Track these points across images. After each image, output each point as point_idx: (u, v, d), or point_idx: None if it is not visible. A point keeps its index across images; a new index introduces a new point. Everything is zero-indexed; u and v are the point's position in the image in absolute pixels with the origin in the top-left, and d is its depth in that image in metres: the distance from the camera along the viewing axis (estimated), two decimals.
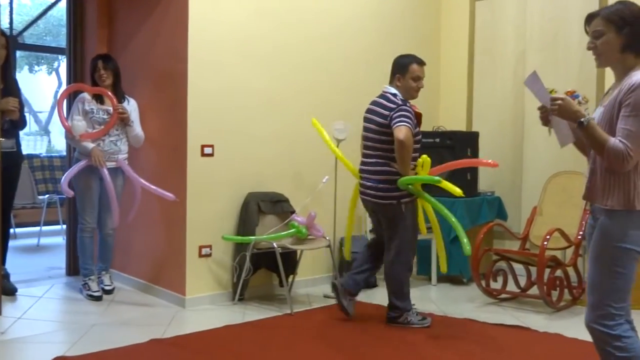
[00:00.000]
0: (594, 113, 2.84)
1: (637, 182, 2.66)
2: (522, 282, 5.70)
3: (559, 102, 2.66)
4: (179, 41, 5.23)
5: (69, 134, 5.30)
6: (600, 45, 2.73)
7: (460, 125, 7.03)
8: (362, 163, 4.88)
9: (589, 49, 2.79)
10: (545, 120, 2.85)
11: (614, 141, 2.60)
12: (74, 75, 6.19)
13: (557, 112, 2.68)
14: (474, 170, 6.43)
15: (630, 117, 2.59)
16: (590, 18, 2.79)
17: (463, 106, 7.15)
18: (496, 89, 6.90)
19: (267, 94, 5.66)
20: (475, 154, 6.45)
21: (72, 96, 5.67)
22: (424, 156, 4.83)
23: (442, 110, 7.32)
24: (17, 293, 5.43)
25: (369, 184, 4.77)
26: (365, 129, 4.85)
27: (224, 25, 5.36)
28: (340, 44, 6.24)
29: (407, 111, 4.63)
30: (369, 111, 4.87)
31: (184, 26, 5.17)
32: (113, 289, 5.60)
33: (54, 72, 16.40)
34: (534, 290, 5.44)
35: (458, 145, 6.33)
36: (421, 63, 4.89)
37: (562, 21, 6.28)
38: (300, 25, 5.90)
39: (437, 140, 6.44)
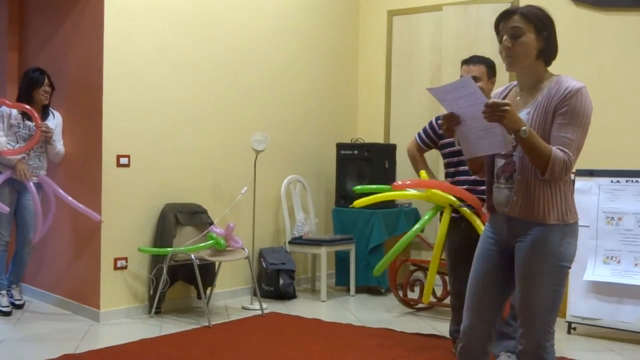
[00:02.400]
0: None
1: (568, 194, 2.57)
2: (439, 292, 5.83)
3: (507, 107, 2.38)
4: (94, 51, 5.14)
5: None
6: (518, 45, 2.56)
7: (378, 138, 7.15)
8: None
9: (504, 47, 2.58)
10: (451, 130, 2.58)
11: (557, 151, 2.44)
12: None
13: (501, 119, 2.39)
14: (391, 182, 6.50)
15: (570, 125, 2.47)
16: (507, 14, 2.60)
17: (381, 118, 7.28)
18: (413, 101, 7.05)
19: (185, 105, 5.63)
20: (392, 166, 6.58)
21: None
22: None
23: (361, 122, 7.43)
24: None
25: None
26: None
27: (141, 36, 5.30)
28: (259, 57, 6.27)
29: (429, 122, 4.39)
30: None
31: (99, 36, 5.09)
32: (23, 303, 5.44)
33: None
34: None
35: (376, 157, 6.44)
36: (466, 62, 4.17)
37: (475, 36, 6.48)
38: (219, 38, 5.89)
39: (356, 152, 6.54)
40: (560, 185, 2.54)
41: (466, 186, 4.07)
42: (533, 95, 2.61)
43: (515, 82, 2.75)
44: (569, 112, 2.48)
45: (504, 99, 2.71)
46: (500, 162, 2.66)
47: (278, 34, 6.48)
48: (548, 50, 2.61)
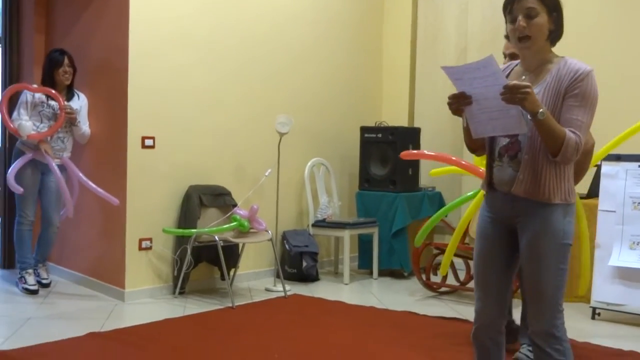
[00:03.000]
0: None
1: (570, 174, 2.60)
2: (462, 275, 5.82)
3: (528, 89, 2.38)
4: (120, 33, 5.16)
5: (16, 135, 5.19)
6: (533, 25, 2.56)
7: (402, 121, 7.12)
8: None
9: (519, 27, 2.57)
10: (459, 110, 2.58)
11: (569, 133, 2.46)
12: (10, 64, 6.04)
13: (523, 101, 2.39)
14: (415, 166, 6.53)
15: (581, 107, 2.50)
16: None
17: (405, 102, 7.24)
18: (437, 85, 6.99)
19: (210, 88, 5.64)
20: (416, 149, 6.55)
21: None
22: None
23: (385, 106, 7.40)
24: None
25: None
26: None
27: (166, 19, 5.32)
28: (284, 40, 6.26)
29: None
30: None
31: (125, 18, 5.11)
32: (50, 282, 5.51)
33: None
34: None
35: (400, 140, 6.41)
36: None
37: (501, 20, 6.39)
38: (244, 22, 5.88)
39: (380, 135, 6.52)
40: (565, 167, 2.57)
41: None
42: (540, 76, 2.61)
43: (515, 62, 2.77)
44: (580, 95, 2.50)
45: (507, 76, 2.71)
46: (503, 141, 2.66)
47: (303, 18, 6.46)
48: (557, 31, 2.63)
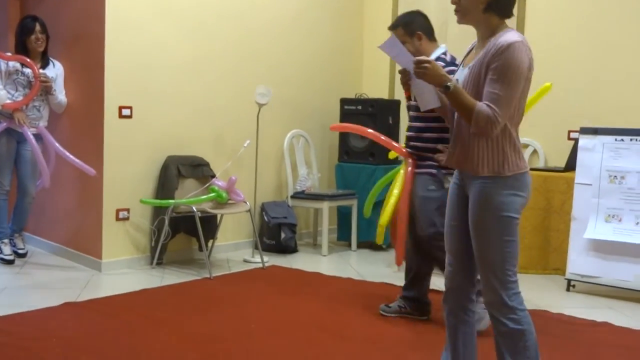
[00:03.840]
0: (457, 74, 2.74)
1: (506, 147, 2.59)
2: None
3: (426, 64, 2.52)
4: (96, 0, 5.08)
5: None
6: (463, 0, 2.63)
7: (382, 93, 7.10)
8: None
9: (452, 2, 2.66)
10: (407, 84, 2.73)
11: (481, 106, 2.50)
12: None
13: (424, 75, 2.53)
14: (394, 138, 6.50)
15: (498, 81, 2.49)
16: None
17: (386, 74, 7.21)
18: None
19: (188, 57, 5.59)
20: (396, 122, 6.55)
21: None
22: None
23: (365, 77, 7.37)
24: None
25: None
26: None
27: None
28: (264, 11, 6.19)
29: None
30: None
31: None
32: (26, 252, 5.48)
33: None
34: None
35: (380, 113, 6.40)
36: (390, 29, 4.22)
37: None
38: None
39: (360, 107, 6.51)
40: (497, 139, 2.58)
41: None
42: (481, 49, 2.64)
43: None
44: (499, 67, 2.51)
45: (467, 54, 2.77)
46: (455, 116, 2.72)
47: None
48: (497, 2, 2.61)
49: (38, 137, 5.25)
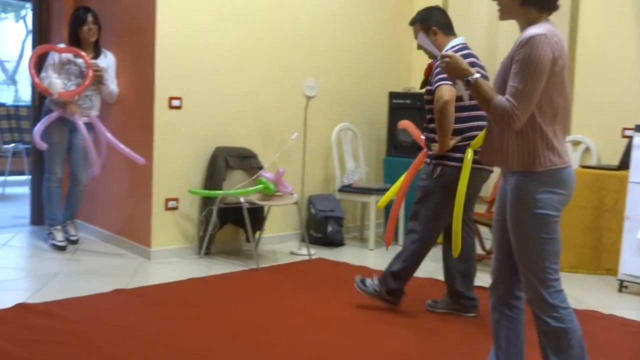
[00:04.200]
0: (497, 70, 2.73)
1: (537, 141, 2.55)
2: (488, 244, 5.77)
3: (447, 59, 2.59)
4: None
5: (47, 94, 5.22)
6: None
7: None
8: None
9: None
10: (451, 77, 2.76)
11: (500, 99, 2.50)
12: (39, 23, 6.07)
13: (444, 69, 2.60)
14: None
15: (518, 74, 2.48)
16: None
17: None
18: None
19: (238, 48, 5.61)
20: None
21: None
22: None
23: (414, 71, 7.30)
24: None
25: None
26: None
27: None
28: (311, 4, 6.19)
29: None
30: (482, 67, 4.06)
31: None
32: (78, 239, 5.58)
33: (21, 20, 16.07)
34: None
35: None
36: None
37: None
38: None
39: (408, 101, 6.46)
40: (526, 133, 2.56)
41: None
42: None
43: None
44: (519, 61, 2.50)
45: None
46: None
47: None
48: None
49: (90, 126, 5.34)
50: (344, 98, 6.56)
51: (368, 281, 4.30)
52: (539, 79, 2.48)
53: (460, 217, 3.93)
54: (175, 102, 5.23)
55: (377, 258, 5.80)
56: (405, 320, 4.05)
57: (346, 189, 6.27)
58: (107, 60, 5.41)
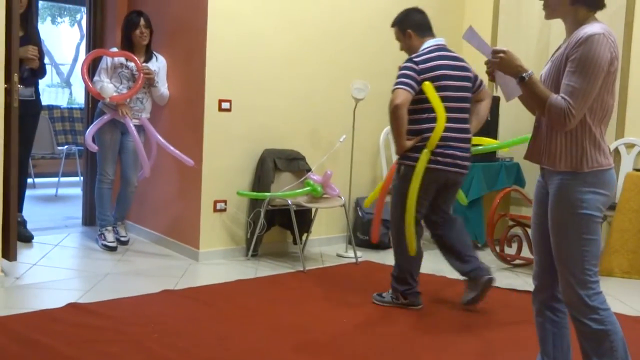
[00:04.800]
0: (543, 69, 2.69)
1: (585, 142, 2.53)
2: None
3: (501, 54, 2.53)
4: None
5: (99, 98, 5.31)
6: None
7: None
8: (459, 130, 4.16)
9: None
10: (491, 75, 2.67)
11: (556, 98, 2.46)
12: (94, 27, 6.17)
13: (498, 65, 2.55)
14: (492, 136, 6.37)
15: (575, 73, 2.44)
16: None
17: (483, 69, 7.03)
18: (520, 51, 6.73)
19: (286, 51, 5.63)
20: (495, 120, 6.39)
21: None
22: None
23: None
24: (33, 240, 5.50)
25: (466, 154, 4.23)
26: (459, 88, 4.21)
27: None
28: (362, 6, 6.17)
29: None
30: (455, 67, 4.24)
31: None
32: (128, 240, 5.66)
33: (76, 25, 16.40)
34: None
35: None
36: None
37: None
38: None
39: None
40: (575, 133, 2.53)
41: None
42: (566, 42, 2.59)
43: None
44: (576, 60, 2.46)
45: (557, 50, 2.68)
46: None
47: None
48: None
49: (140, 128, 5.41)
50: None
51: (385, 293, 4.37)
52: (596, 78, 2.45)
53: (412, 216, 4.08)
54: (225, 105, 5.27)
55: (424, 261, 5.70)
56: (448, 324, 4.00)
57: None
58: (158, 64, 5.48)
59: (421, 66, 4.11)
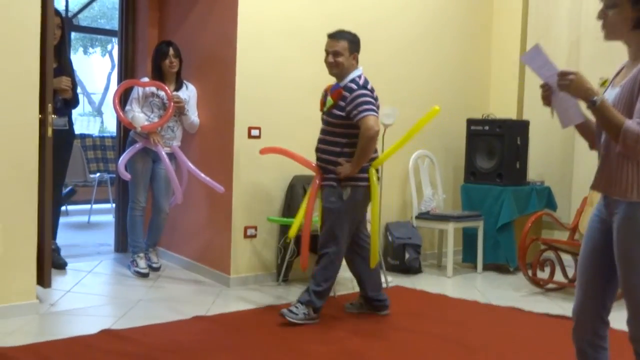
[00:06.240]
0: (606, 93, 2.56)
1: None
2: (570, 273, 5.62)
3: (571, 77, 2.38)
4: (229, 25, 5.27)
5: (130, 127, 5.40)
6: (611, 16, 2.47)
7: (510, 113, 6.93)
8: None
9: (598, 18, 2.52)
10: (547, 99, 2.55)
11: (631, 123, 2.32)
12: (125, 57, 6.29)
13: (568, 87, 2.39)
14: (522, 159, 6.35)
15: None
16: None
17: (514, 94, 7.04)
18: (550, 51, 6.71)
19: (314, 78, 5.63)
20: (525, 143, 6.38)
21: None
22: None
23: (493, 97, 7.23)
24: (66, 267, 5.57)
25: None
26: None
27: (274, 11, 5.39)
28: (389, 31, 6.22)
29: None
30: None
31: (234, 10, 5.21)
32: (160, 266, 5.71)
33: (107, 54, 16.68)
34: None
35: (508, 133, 6.25)
36: (330, 36, 4.65)
37: None
38: (349, 13, 5.83)
39: (487, 128, 6.38)
40: None
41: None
42: (633, 67, 2.48)
43: None
44: None
45: (617, 74, 2.60)
46: (602, 137, 2.55)
47: (409, 8, 6.40)
48: None
49: (171, 156, 5.48)
50: None
51: (294, 308, 4.39)
52: None
53: (377, 231, 4.58)
54: (254, 132, 5.32)
55: (454, 286, 5.72)
56: (485, 351, 3.97)
57: (424, 215, 6.22)
58: (189, 92, 5.56)
59: (374, 94, 4.51)
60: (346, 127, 4.41)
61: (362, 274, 4.68)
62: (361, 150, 4.34)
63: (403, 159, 6.31)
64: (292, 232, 4.72)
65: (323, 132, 4.57)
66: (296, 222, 4.69)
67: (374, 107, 4.40)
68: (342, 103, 4.41)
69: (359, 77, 4.50)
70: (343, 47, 4.48)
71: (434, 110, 4.73)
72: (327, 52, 4.55)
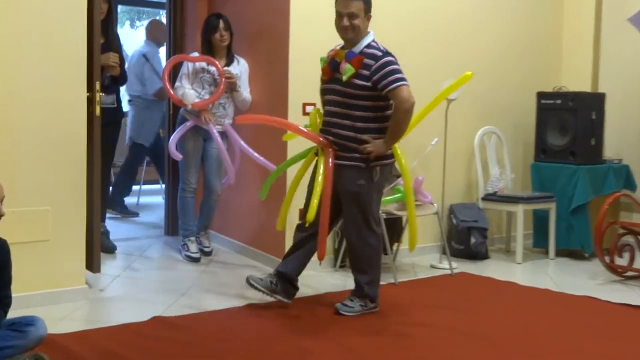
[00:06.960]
0: None
1: None
2: None
3: None
4: None
5: (180, 104, 5.42)
6: None
7: (584, 86, 6.75)
8: None
9: None
10: None
11: None
12: (174, 30, 6.31)
13: None
14: (598, 135, 6.19)
15: None
16: None
17: (588, 65, 6.85)
18: (626, 44, 6.54)
19: None
20: (600, 118, 6.21)
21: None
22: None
23: (565, 69, 7.03)
24: (116, 251, 5.65)
25: None
26: None
27: None
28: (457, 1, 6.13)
29: None
30: None
31: None
32: (211, 250, 5.74)
33: None
34: None
35: (581, 107, 6.09)
36: None
37: None
38: None
39: (558, 101, 6.23)
40: None
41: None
42: None
43: None
44: None
45: None
46: None
47: None
48: None
49: (223, 134, 5.48)
50: (488, 100, 6.41)
51: (349, 302, 4.34)
52: None
53: (413, 209, 4.64)
54: (309, 108, 5.27)
55: (525, 273, 5.62)
56: (558, 343, 3.89)
57: (490, 197, 6.12)
58: (240, 67, 5.54)
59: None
60: (372, 99, 4.13)
61: (305, 253, 4.48)
62: (396, 126, 4.12)
63: (468, 136, 6.22)
64: (311, 216, 4.35)
65: (336, 104, 4.22)
66: (312, 207, 4.34)
67: (405, 77, 4.13)
68: (364, 72, 4.09)
69: (374, 42, 4.22)
70: (358, 7, 4.14)
71: (466, 76, 4.63)
72: (341, 15, 4.17)
